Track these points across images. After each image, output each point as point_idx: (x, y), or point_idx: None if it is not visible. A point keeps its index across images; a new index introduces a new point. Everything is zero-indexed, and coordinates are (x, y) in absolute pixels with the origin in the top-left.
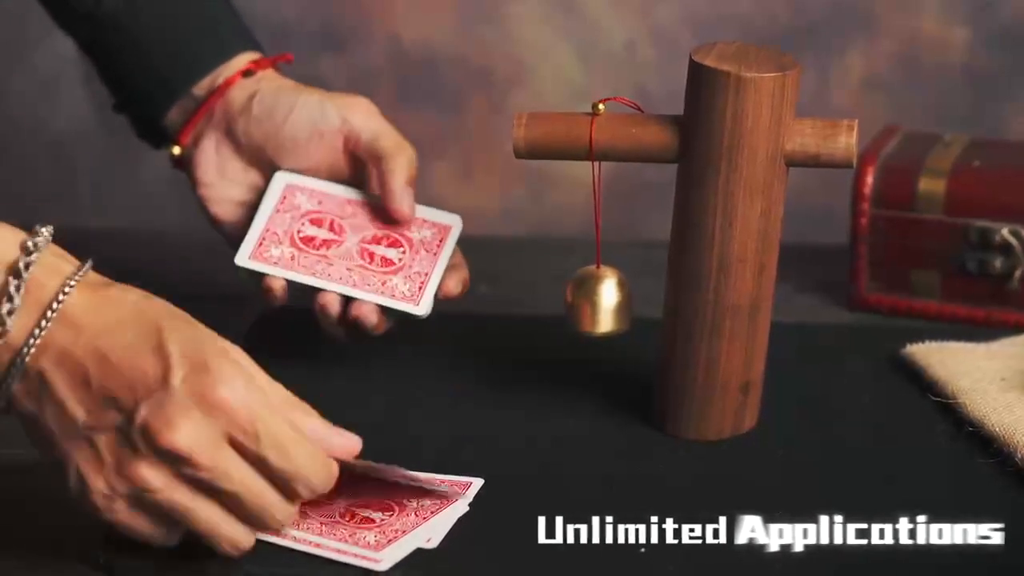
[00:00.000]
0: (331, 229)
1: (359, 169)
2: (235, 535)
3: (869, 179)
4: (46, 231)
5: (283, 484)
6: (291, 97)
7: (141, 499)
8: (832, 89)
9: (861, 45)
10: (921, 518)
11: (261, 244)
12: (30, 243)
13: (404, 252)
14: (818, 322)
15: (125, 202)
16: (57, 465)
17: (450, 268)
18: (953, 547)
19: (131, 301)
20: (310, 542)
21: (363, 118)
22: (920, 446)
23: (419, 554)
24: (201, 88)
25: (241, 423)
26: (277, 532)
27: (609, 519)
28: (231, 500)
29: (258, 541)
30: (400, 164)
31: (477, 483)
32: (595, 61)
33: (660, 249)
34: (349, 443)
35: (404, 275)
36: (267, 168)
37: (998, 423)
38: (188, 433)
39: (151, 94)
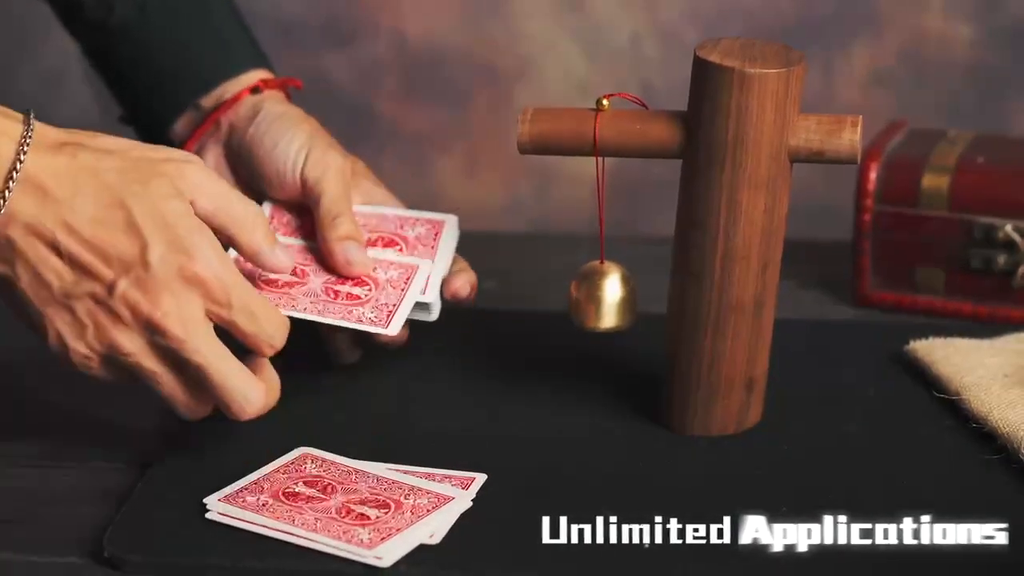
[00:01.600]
0: (293, 273)
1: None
2: (191, 405)
3: (873, 175)
4: None
5: (252, 343)
6: (281, 131)
7: (115, 360)
8: (836, 85)
9: (866, 41)
10: (925, 517)
11: None
12: None
13: (402, 250)
14: (822, 318)
15: None
16: (35, 326)
17: (457, 271)
18: (957, 546)
19: (86, 168)
20: (304, 538)
21: (333, 181)
22: (924, 443)
23: (422, 550)
24: (208, 101)
25: (215, 295)
26: (240, 415)
27: (613, 516)
28: (197, 372)
29: (259, 537)
30: (344, 221)
31: (480, 479)
32: (599, 56)
33: (664, 245)
34: (279, 263)
35: (372, 306)
36: (257, 194)
37: (1002, 420)
38: (169, 308)
39: (159, 105)
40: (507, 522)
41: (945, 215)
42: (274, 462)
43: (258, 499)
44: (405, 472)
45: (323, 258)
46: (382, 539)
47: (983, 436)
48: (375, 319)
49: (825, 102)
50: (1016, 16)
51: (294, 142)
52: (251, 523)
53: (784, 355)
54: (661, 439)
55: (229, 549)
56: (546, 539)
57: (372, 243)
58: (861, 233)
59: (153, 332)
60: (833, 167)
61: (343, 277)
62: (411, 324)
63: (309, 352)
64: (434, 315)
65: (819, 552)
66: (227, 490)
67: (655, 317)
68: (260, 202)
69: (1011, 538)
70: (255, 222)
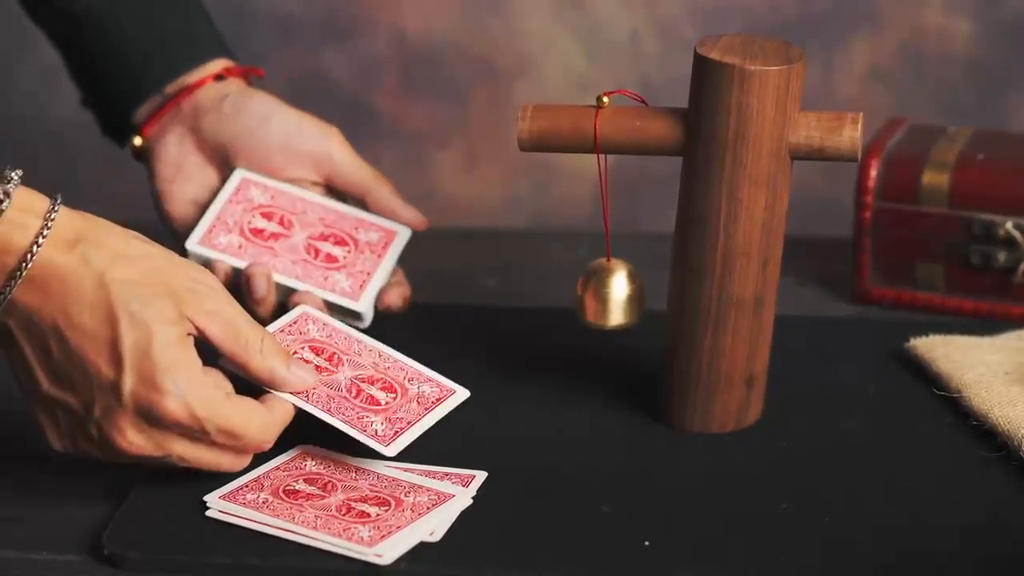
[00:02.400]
0: (280, 223)
1: (323, 192)
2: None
3: (873, 172)
4: (12, 186)
5: (238, 452)
6: (268, 106)
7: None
8: (836, 80)
9: (865, 36)
10: (924, 514)
11: (211, 231)
12: None
13: (349, 251)
14: (822, 315)
15: (126, 192)
16: (26, 400)
17: (393, 284)
18: (956, 544)
19: (93, 274)
20: (305, 536)
21: (339, 148)
22: (923, 440)
23: (423, 547)
24: (172, 88)
25: (187, 424)
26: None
27: (613, 514)
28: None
29: (259, 535)
30: (388, 189)
31: (481, 476)
32: (599, 52)
33: (663, 242)
34: (300, 381)
35: (347, 272)
36: (225, 168)
37: (1002, 417)
38: (135, 441)
39: (122, 91)
40: (507, 520)
41: (945, 212)
42: (274, 459)
43: (258, 497)
44: (405, 470)
45: (307, 209)
46: (382, 537)
47: (983, 434)
48: (348, 289)
49: (824, 98)
50: (1016, 11)
51: (286, 119)
52: (251, 521)
53: (784, 352)
54: (661, 436)
55: (229, 547)
56: (546, 537)
57: (324, 237)
58: (861, 230)
59: (119, 455)
60: (833, 163)
61: (325, 233)
62: (406, 313)
63: None
64: (366, 323)
65: (820, 550)
66: (227, 488)
67: (655, 314)
68: (223, 182)
69: (1011, 536)
70: (266, 345)
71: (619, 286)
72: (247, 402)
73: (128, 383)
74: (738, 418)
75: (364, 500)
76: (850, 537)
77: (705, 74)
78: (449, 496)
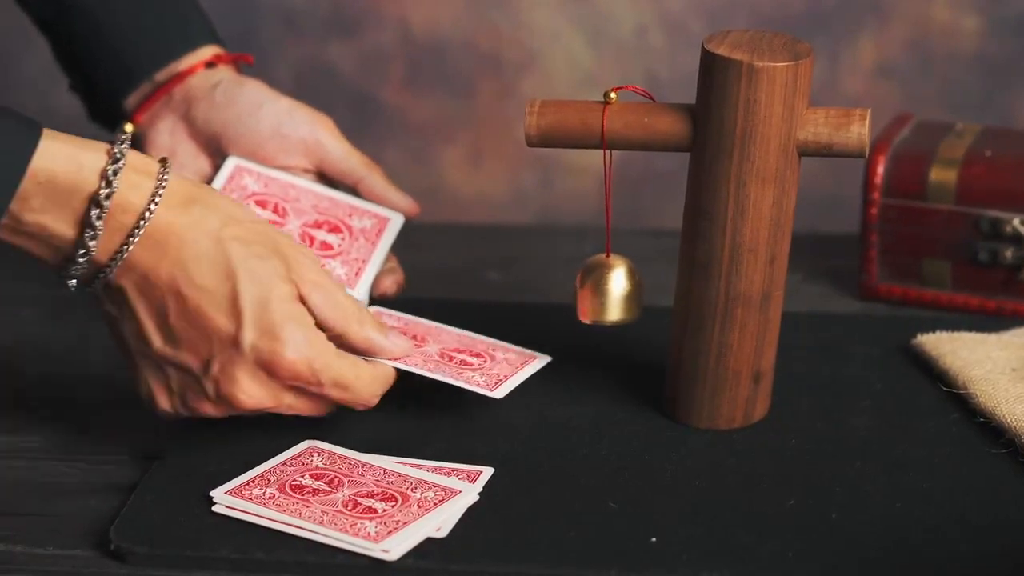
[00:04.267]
0: (275, 211)
1: (314, 178)
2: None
3: (880, 168)
4: (125, 148)
5: (346, 406)
6: (260, 94)
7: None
8: (843, 76)
9: (872, 32)
10: (931, 511)
11: None
12: (110, 170)
13: (344, 238)
14: (828, 311)
15: None
16: (129, 366)
17: (386, 271)
18: (963, 541)
19: (209, 232)
20: (311, 531)
21: (330, 136)
22: (930, 437)
23: (429, 543)
24: (162, 75)
25: (304, 377)
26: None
27: (619, 510)
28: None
29: (266, 530)
30: (380, 176)
31: (487, 472)
32: (605, 47)
33: (670, 237)
34: (398, 348)
35: (342, 260)
36: (218, 156)
37: (1009, 414)
38: (253, 393)
39: (112, 78)
40: (514, 516)
41: (952, 208)
42: (280, 455)
43: (264, 492)
44: (412, 465)
45: (301, 196)
46: (389, 532)
47: (990, 430)
48: (343, 277)
49: (831, 94)
50: (1022, 7)
51: (278, 107)
52: (257, 516)
53: (791, 348)
54: (668, 432)
55: (235, 542)
56: (552, 533)
57: (318, 225)
58: (868, 226)
59: (234, 409)
60: (840, 159)
61: (319, 220)
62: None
63: None
64: (359, 296)
65: (827, 546)
66: (233, 483)
67: (661, 309)
68: (215, 170)
69: (1017, 532)
70: (363, 316)
71: (618, 282)
72: (356, 358)
73: (249, 336)
74: (745, 414)
75: (371, 496)
76: (857, 532)
77: (713, 70)
78: (456, 492)
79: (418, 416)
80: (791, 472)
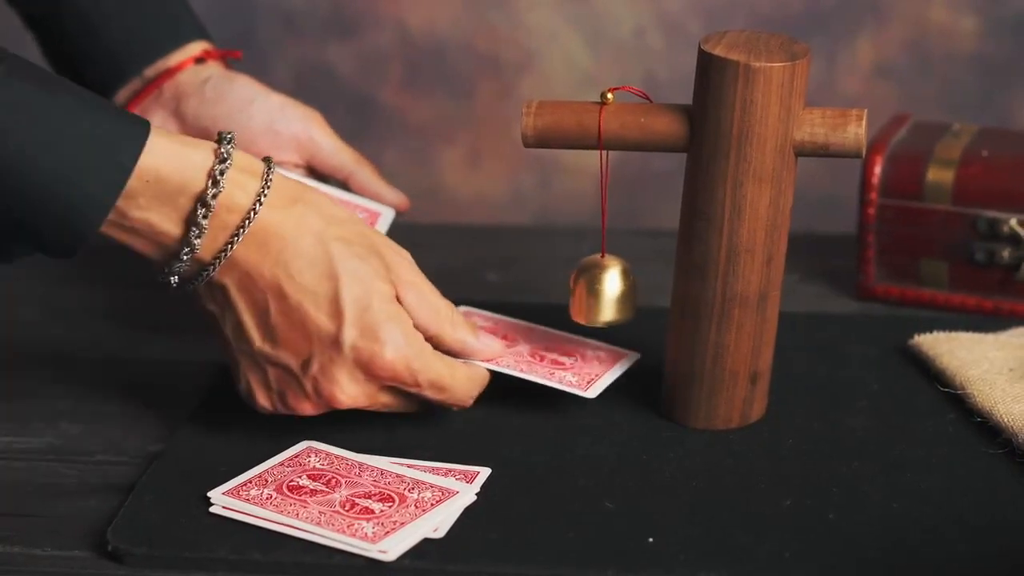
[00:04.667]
0: None
1: (304, 174)
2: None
3: (878, 168)
4: (231, 148)
5: (442, 406)
6: (250, 89)
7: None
8: (840, 77)
9: (870, 33)
10: (929, 511)
11: None
12: (217, 170)
13: None
14: (826, 312)
15: None
16: (231, 364)
17: None
18: (961, 541)
19: (312, 232)
20: (308, 532)
21: (321, 132)
22: (928, 437)
23: (426, 544)
24: (151, 71)
25: (403, 378)
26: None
27: (617, 509)
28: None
29: (263, 530)
30: (371, 170)
31: (484, 472)
32: (603, 48)
33: (667, 237)
34: (490, 350)
35: None
36: None
37: (1006, 414)
38: (352, 392)
39: (102, 74)
40: (511, 516)
41: (949, 208)
42: (278, 456)
43: (262, 492)
44: (409, 466)
45: None
46: (386, 533)
47: (987, 430)
48: None
49: (829, 94)
50: (1020, 7)
51: (269, 102)
52: (255, 516)
53: (788, 348)
54: (665, 433)
55: (233, 542)
56: (550, 533)
57: None
58: (865, 226)
59: (332, 407)
60: (837, 160)
61: None
62: None
63: None
64: None
65: (824, 546)
66: (231, 483)
67: (658, 310)
68: None
69: (1015, 532)
70: (456, 317)
71: (612, 283)
72: (452, 359)
73: (349, 336)
74: (742, 414)
75: (368, 496)
76: (854, 533)
77: (709, 70)
78: (453, 492)
79: (415, 417)
80: (788, 472)
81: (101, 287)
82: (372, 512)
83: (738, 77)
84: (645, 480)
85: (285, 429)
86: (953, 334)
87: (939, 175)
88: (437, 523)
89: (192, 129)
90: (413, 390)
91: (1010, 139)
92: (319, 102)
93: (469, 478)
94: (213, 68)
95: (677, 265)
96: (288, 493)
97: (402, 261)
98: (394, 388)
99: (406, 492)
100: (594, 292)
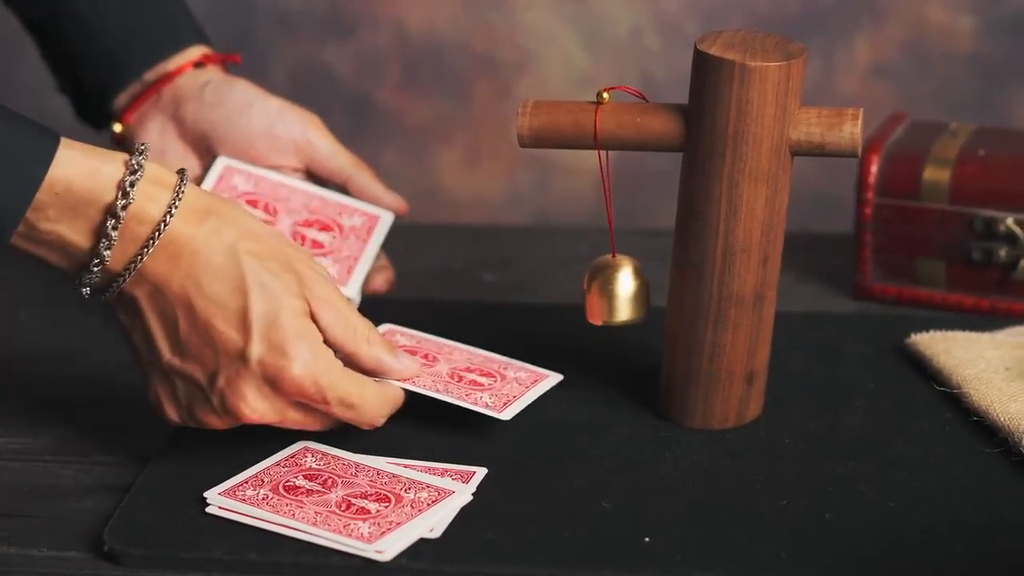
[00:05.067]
0: (266, 210)
1: (303, 177)
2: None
3: (874, 168)
4: (143, 158)
5: (352, 424)
6: (249, 93)
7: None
8: (838, 76)
9: (868, 32)
10: (925, 508)
11: None
12: (128, 182)
13: (335, 236)
14: (822, 311)
15: None
16: (141, 373)
17: (378, 268)
18: (958, 540)
19: (224, 246)
20: (305, 532)
21: (320, 135)
22: (924, 436)
23: (422, 544)
24: (151, 75)
25: (309, 394)
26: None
27: (614, 509)
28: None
29: (259, 531)
30: (369, 174)
31: (481, 472)
32: (600, 48)
33: (663, 237)
34: (406, 369)
35: (333, 258)
36: (207, 156)
37: (1003, 413)
38: (258, 407)
39: (101, 78)
40: (507, 516)
41: (946, 208)
42: (274, 456)
43: (258, 493)
44: (405, 466)
45: (291, 196)
46: (382, 533)
47: (984, 429)
48: (335, 275)
49: (826, 94)
50: (1017, 7)
51: (267, 106)
52: (251, 517)
53: (784, 348)
54: (661, 432)
55: (229, 543)
56: (546, 533)
57: (309, 224)
58: (862, 226)
59: (239, 422)
60: (834, 159)
61: (310, 219)
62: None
63: None
64: (351, 295)
65: (821, 546)
66: (227, 484)
67: (655, 310)
68: (205, 169)
69: (1011, 531)
70: (373, 335)
71: (626, 282)
72: (364, 377)
73: (256, 351)
74: (739, 414)
75: (364, 496)
76: (851, 532)
77: (705, 70)
78: (449, 492)
79: (412, 417)
80: (785, 472)
81: None
82: (368, 512)
83: (734, 76)
84: (642, 480)
85: (281, 430)
86: (950, 333)
87: (936, 174)
88: (433, 523)
89: (191, 133)
90: (322, 407)
91: (1007, 138)
92: (317, 103)
93: (465, 478)
94: (212, 72)
95: (673, 265)
96: (284, 493)
97: (317, 278)
98: (304, 405)
99: (402, 492)
100: (608, 292)
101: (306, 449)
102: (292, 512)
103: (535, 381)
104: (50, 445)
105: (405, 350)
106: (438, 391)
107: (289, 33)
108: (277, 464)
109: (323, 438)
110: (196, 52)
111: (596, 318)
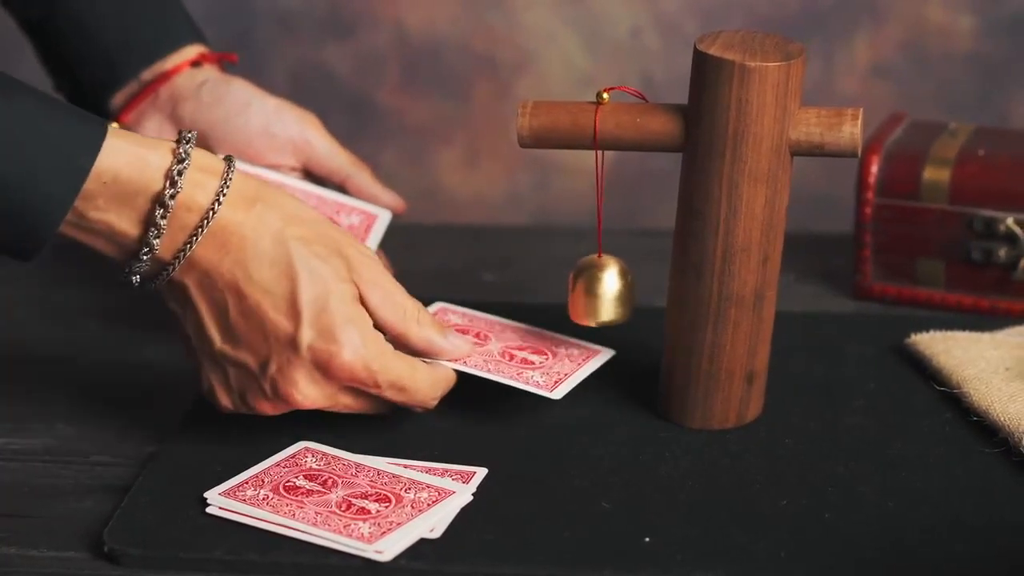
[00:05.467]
0: None
1: (301, 177)
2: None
3: (874, 168)
4: (190, 147)
5: (405, 406)
6: (247, 93)
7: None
8: (837, 76)
9: (868, 32)
10: (925, 508)
11: None
12: (175, 170)
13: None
14: (822, 311)
15: None
16: (193, 363)
17: None
18: (958, 540)
19: (271, 232)
20: (305, 532)
21: (318, 135)
22: (924, 436)
23: (423, 544)
24: (148, 74)
25: (360, 378)
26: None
27: (613, 509)
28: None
29: (260, 531)
30: (367, 173)
31: (481, 472)
32: (600, 48)
33: (664, 237)
34: (457, 350)
35: None
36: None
37: (1002, 413)
38: (310, 393)
39: (98, 77)
40: (507, 516)
41: (946, 208)
42: (274, 456)
43: (258, 493)
44: (406, 466)
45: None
46: (383, 533)
47: (983, 429)
48: None
49: (826, 93)
50: (1016, 7)
51: (265, 106)
52: (252, 517)
53: (785, 348)
54: (661, 432)
55: (229, 543)
56: (546, 533)
57: None
58: (862, 226)
59: (291, 408)
60: (833, 159)
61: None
62: None
63: None
64: None
65: (821, 546)
66: (227, 484)
67: (655, 310)
68: None
69: (1011, 531)
70: (423, 316)
71: (610, 282)
72: (415, 359)
73: (307, 337)
74: (739, 414)
75: (364, 496)
76: (851, 532)
77: (705, 70)
78: (449, 492)
79: (412, 417)
80: (785, 472)
81: (98, 288)
82: (368, 512)
83: (733, 77)
84: (642, 480)
85: (281, 430)
86: (949, 333)
87: (935, 174)
88: (433, 523)
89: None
90: (373, 391)
91: (1007, 138)
92: (316, 103)
93: (465, 478)
94: (209, 71)
95: (673, 265)
96: (284, 494)
97: (365, 260)
98: (355, 389)
99: (402, 492)
100: (592, 292)
101: (306, 449)
102: (292, 512)
103: (587, 358)
104: (50, 445)
105: (457, 329)
106: (488, 371)
107: (289, 33)
108: (277, 464)
109: (323, 438)
110: (193, 51)
111: (578, 317)
